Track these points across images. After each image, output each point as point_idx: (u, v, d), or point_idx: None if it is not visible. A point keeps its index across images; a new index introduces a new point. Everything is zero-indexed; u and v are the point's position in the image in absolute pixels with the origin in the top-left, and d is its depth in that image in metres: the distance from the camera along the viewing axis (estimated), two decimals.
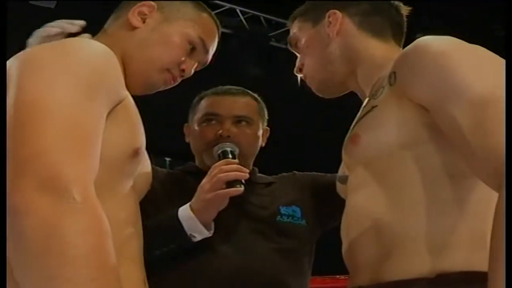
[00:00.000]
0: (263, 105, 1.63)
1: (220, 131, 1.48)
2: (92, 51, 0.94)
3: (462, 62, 0.90)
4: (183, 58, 1.16)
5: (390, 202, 0.98)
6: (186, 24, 1.17)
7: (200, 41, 1.18)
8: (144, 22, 1.15)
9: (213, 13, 1.26)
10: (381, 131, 1.00)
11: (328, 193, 1.33)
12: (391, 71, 1.01)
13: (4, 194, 0.73)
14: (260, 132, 1.59)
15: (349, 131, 1.08)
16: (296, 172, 1.65)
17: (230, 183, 1.32)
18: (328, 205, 1.43)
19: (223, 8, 4.61)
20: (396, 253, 0.95)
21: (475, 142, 0.82)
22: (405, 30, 1.23)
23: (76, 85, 0.85)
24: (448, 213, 0.93)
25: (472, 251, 0.79)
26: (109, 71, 0.95)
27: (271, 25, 4.68)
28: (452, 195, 0.94)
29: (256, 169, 1.64)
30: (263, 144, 1.62)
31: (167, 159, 5.90)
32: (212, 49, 1.24)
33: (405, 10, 1.23)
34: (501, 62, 0.91)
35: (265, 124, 1.63)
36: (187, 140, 1.62)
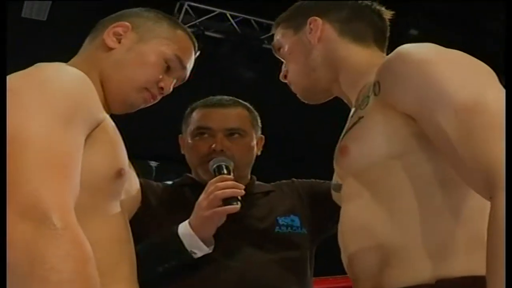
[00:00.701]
0: (256, 114, 1.63)
1: (213, 145, 1.49)
2: (66, 78, 0.96)
3: (446, 70, 0.90)
4: (160, 76, 1.18)
5: (384, 212, 0.98)
6: (161, 42, 1.19)
7: (176, 58, 1.20)
8: (119, 42, 1.17)
9: (189, 29, 1.29)
10: (369, 142, 1.00)
11: (327, 200, 1.33)
12: (375, 80, 1.01)
13: (4, 195, 0.76)
14: (254, 142, 1.59)
15: (339, 141, 1.08)
16: (295, 180, 1.65)
17: (227, 200, 1.33)
18: (327, 213, 1.42)
19: (214, 13, 4.61)
20: (394, 261, 0.95)
21: (463, 152, 0.83)
22: (387, 35, 1.24)
23: (51, 113, 0.87)
24: (443, 220, 0.94)
25: (469, 256, 0.79)
26: (84, 97, 0.96)
27: (263, 27, 4.69)
28: (445, 202, 0.94)
29: (254, 178, 1.64)
30: (259, 153, 1.62)
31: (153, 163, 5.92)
32: (190, 65, 1.26)
33: (387, 14, 1.24)
34: (484, 69, 0.92)
35: (259, 132, 1.63)
36: (182, 151, 1.62)
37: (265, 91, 1.26)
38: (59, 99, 0.90)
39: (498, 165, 0.76)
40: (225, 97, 1.61)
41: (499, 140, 0.78)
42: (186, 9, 4.57)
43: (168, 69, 1.19)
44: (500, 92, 0.86)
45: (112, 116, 1.13)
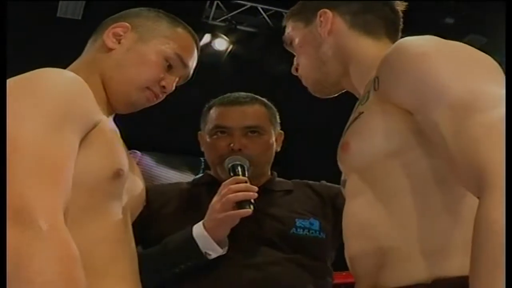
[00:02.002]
0: (274, 109, 1.62)
1: (231, 145, 1.48)
2: (58, 82, 0.97)
3: (442, 64, 0.88)
4: (161, 75, 1.18)
5: (383, 210, 0.97)
6: (161, 41, 1.19)
7: (176, 57, 1.19)
8: (119, 43, 1.17)
9: (192, 28, 1.27)
10: (368, 139, 0.98)
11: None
12: (375, 75, 0.99)
13: (4, 197, 0.77)
14: (273, 139, 1.57)
15: (342, 137, 1.07)
16: (311, 182, 1.63)
17: (240, 203, 1.33)
18: None
19: (245, 7, 4.62)
20: (393, 260, 0.94)
21: (455, 150, 0.80)
22: (400, 27, 1.21)
23: (43, 117, 0.89)
24: (440, 220, 0.92)
25: (466, 255, 0.76)
26: (77, 99, 0.97)
27: None
28: (443, 201, 0.92)
29: (275, 174, 1.63)
30: (278, 149, 1.61)
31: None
32: (192, 62, 1.25)
33: (401, 6, 1.21)
34: (485, 62, 0.89)
35: (278, 128, 1.61)
36: (202, 148, 1.62)
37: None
38: (50, 103, 0.91)
39: (488, 165, 0.74)
40: (242, 93, 1.60)
41: (492, 139, 0.75)
42: (217, 3, 4.59)
43: (169, 68, 1.19)
44: (498, 88, 0.82)
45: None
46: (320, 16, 1.17)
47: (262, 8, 4.64)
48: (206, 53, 4.46)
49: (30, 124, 0.87)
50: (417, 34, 0.95)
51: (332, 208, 1.52)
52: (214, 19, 4.66)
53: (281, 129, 1.63)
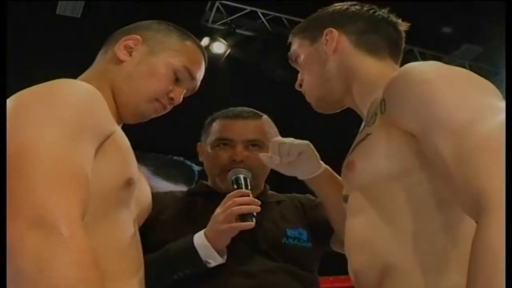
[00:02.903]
0: (273, 125, 1.64)
1: (234, 156, 1.53)
2: (76, 92, 0.99)
3: (446, 90, 0.90)
4: (170, 87, 1.21)
5: (384, 227, 0.99)
6: (171, 54, 1.22)
7: (185, 70, 1.23)
8: (130, 55, 1.20)
9: (200, 41, 1.30)
10: (374, 160, 1.01)
11: (326, 224, 1.41)
12: (382, 98, 1.02)
13: (4, 200, 0.80)
14: None
15: (347, 155, 1.10)
16: (297, 195, 1.69)
17: (243, 216, 1.36)
18: (329, 231, 1.49)
19: (245, 11, 4.63)
20: (393, 276, 0.97)
21: (455, 173, 0.83)
22: (402, 47, 1.24)
23: (61, 128, 0.90)
24: (439, 239, 0.94)
25: (462, 273, 0.79)
26: (94, 110, 1.00)
27: (294, 25, 4.68)
28: (442, 222, 0.95)
29: (268, 187, 1.68)
30: None
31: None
32: (200, 75, 1.28)
33: (403, 26, 1.24)
34: (485, 88, 0.92)
35: None
36: (200, 159, 1.67)
37: (294, 89, 1.26)
38: (68, 113, 0.93)
39: (486, 190, 0.76)
40: (246, 108, 1.65)
41: (491, 164, 0.78)
42: (217, 7, 4.60)
43: (177, 80, 1.22)
44: (498, 113, 0.85)
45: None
46: (326, 35, 1.20)
47: (261, 12, 4.66)
48: None
49: (48, 132, 0.89)
50: (415, 43, 0.97)
51: (312, 218, 1.58)
52: (213, 22, 4.67)
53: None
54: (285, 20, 4.71)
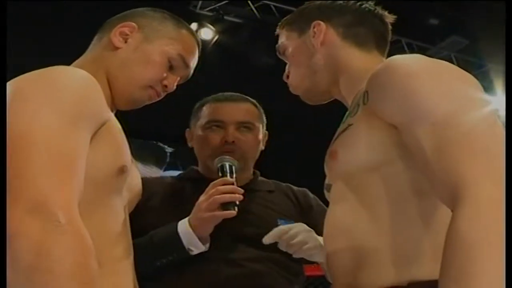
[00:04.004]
0: (262, 110, 1.70)
1: (226, 137, 1.55)
2: (73, 79, 0.99)
3: (428, 84, 0.93)
4: (164, 75, 1.22)
5: (363, 215, 1.02)
6: (166, 42, 1.22)
7: (179, 58, 1.24)
8: (125, 42, 1.20)
9: (195, 27, 1.31)
10: (354, 150, 1.03)
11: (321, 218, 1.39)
12: (365, 89, 1.04)
13: (4, 194, 0.81)
14: (261, 136, 1.65)
15: (330, 145, 1.11)
16: (293, 187, 1.70)
17: (225, 204, 1.37)
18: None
19: None
20: (369, 263, 0.99)
21: (434, 165, 0.86)
22: (389, 39, 1.25)
23: (58, 114, 0.91)
24: (416, 228, 0.97)
25: (437, 261, 0.82)
26: (91, 97, 1.00)
27: (282, 13, 4.67)
28: (419, 211, 0.97)
29: (258, 173, 1.69)
30: (263, 147, 1.68)
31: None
32: (193, 63, 1.30)
33: (390, 18, 1.25)
34: (468, 82, 0.95)
35: (265, 128, 1.69)
36: (189, 144, 1.68)
37: (281, 77, 1.27)
38: (65, 100, 0.94)
39: (462, 181, 0.80)
40: (234, 93, 1.68)
41: (468, 156, 0.82)
42: None
43: (171, 68, 1.23)
44: (480, 107, 0.89)
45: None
46: (314, 27, 1.21)
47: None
48: None
49: (44, 119, 0.89)
50: (402, 35, 0.98)
51: (305, 217, 1.58)
52: (201, 8, 4.65)
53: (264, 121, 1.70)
54: (273, 8, 4.70)
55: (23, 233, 0.79)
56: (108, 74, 1.18)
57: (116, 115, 1.19)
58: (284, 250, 1.39)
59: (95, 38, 1.25)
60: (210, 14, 4.67)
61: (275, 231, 1.39)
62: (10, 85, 0.95)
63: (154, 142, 6.10)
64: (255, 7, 4.68)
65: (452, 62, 5.31)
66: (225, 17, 4.69)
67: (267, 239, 1.38)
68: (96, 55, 1.20)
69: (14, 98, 0.91)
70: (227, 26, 4.77)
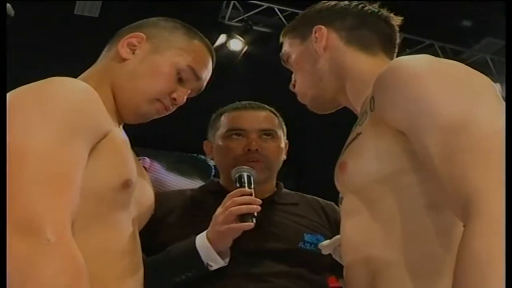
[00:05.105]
0: (281, 118, 1.65)
1: (249, 146, 1.50)
2: (69, 92, 0.96)
3: (435, 86, 0.87)
4: (173, 88, 1.16)
5: (377, 230, 0.98)
6: (175, 53, 1.17)
7: (190, 70, 1.18)
8: (133, 53, 1.16)
9: (208, 40, 1.26)
10: (364, 160, 0.99)
11: None
12: (371, 95, 0.99)
13: (4, 197, 0.78)
14: (283, 145, 1.60)
15: (340, 155, 1.07)
16: (320, 200, 1.65)
17: (242, 216, 1.32)
18: None
19: (262, 8, 4.61)
20: (384, 280, 0.95)
21: (443, 174, 0.80)
22: (397, 41, 1.20)
23: (52, 127, 0.89)
24: (431, 243, 0.92)
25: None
26: (87, 110, 0.97)
27: None
28: (435, 225, 0.92)
29: (282, 185, 1.64)
30: (285, 157, 1.62)
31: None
32: (206, 75, 1.24)
33: (396, 20, 1.20)
34: (479, 83, 0.88)
35: (285, 137, 1.64)
36: (209, 157, 1.63)
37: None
38: (60, 113, 0.91)
39: (474, 193, 0.74)
40: (252, 102, 1.63)
41: (480, 165, 0.76)
42: (234, 4, 4.59)
43: (181, 80, 1.18)
44: (491, 111, 0.82)
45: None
46: (315, 32, 1.18)
47: (278, 9, 4.64)
48: (221, 53, 4.47)
49: (39, 133, 0.87)
50: (435, 38, 0.94)
51: (334, 232, 1.51)
52: (230, 19, 4.66)
53: (292, 129, 1.66)
54: None
55: (12, 253, 0.76)
56: (114, 86, 1.14)
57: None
58: (338, 260, 1.32)
59: (105, 48, 1.21)
60: (239, 25, 4.69)
61: (333, 240, 1.31)
62: (9, 96, 0.93)
63: (194, 154, 6.09)
64: (284, 16, 4.66)
65: (488, 65, 5.23)
66: (254, 27, 4.69)
67: (324, 249, 1.31)
68: (104, 66, 1.17)
69: (10, 109, 0.89)
70: (256, 36, 4.77)
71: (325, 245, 1.32)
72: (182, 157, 6.13)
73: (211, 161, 6.11)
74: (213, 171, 6.02)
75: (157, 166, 5.83)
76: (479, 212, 0.72)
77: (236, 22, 4.69)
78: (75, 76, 1.06)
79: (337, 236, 1.33)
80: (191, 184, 5.88)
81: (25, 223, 0.78)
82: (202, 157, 6.14)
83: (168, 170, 5.98)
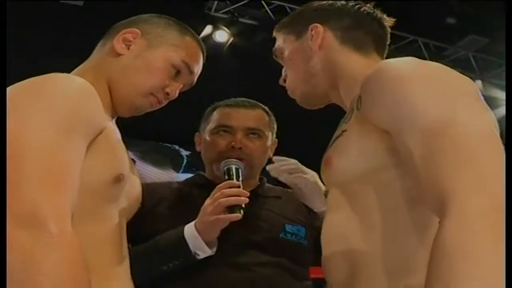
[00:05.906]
0: (273, 118, 1.68)
1: (233, 143, 1.54)
2: (68, 88, 0.98)
3: (419, 88, 0.89)
4: (166, 82, 1.20)
5: (358, 224, 1.00)
6: (169, 49, 1.20)
7: (183, 65, 1.22)
8: (128, 48, 1.18)
9: (198, 35, 1.28)
10: (348, 157, 1.01)
11: None
12: (359, 94, 1.02)
13: (4, 198, 0.79)
14: (269, 144, 1.64)
15: (326, 151, 1.10)
16: None
17: (231, 208, 1.36)
18: None
19: (248, 0, 4.61)
20: (364, 272, 0.97)
21: (422, 173, 0.83)
22: (388, 42, 1.23)
23: (51, 123, 0.90)
24: (410, 237, 0.94)
25: None
26: (85, 106, 0.99)
27: None
28: (413, 221, 0.95)
29: (265, 180, 1.68)
30: (271, 155, 1.66)
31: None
32: (198, 70, 1.28)
33: (388, 22, 1.22)
34: (463, 86, 0.91)
35: (274, 136, 1.68)
36: (197, 149, 1.67)
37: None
38: (59, 109, 0.93)
39: (448, 192, 0.77)
40: (246, 99, 1.67)
41: (457, 165, 0.79)
42: None
43: (175, 75, 1.22)
44: (473, 114, 0.85)
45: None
46: (312, 30, 1.19)
47: (265, 1, 4.64)
48: (206, 44, 4.45)
49: (38, 129, 0.88)
50: (419, 35, 0.95)
51: (317, 228, 1.56)
52: (216, 10, 4.65)
53: (277, 122, 1.69)
54: (288, 9, 4.68)
55: (13, 246, 0.77)
56: (109, 81, 1.16)
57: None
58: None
59: (99, 43, 1.23)
60: (225, 16, 4.68)
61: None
62: (8, 90, 0.94)
63: (169, 145, 6.05)
64: (270, 9, 4.67)
65: (470, 62, 5.27)
66: (240, 19, 4.69)
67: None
68: (98, 61, 1.19)
69: (9, 105, 0.90)
70: (242, 28, 4.77)
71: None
72: (155, 146, 6.08)
73: (184, 152, 6.11)
74: (185, 161, 6.00)
75: (130, 154, 5.82)
76: (451, 210, 0.75)
77: (222, 13, 4.68)
78: (61, 64, 1.06)
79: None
80: (162, 174, 5.86)
81: (27, 216, 0.79)
82: (176, 147, 6.12)
83: (141, 159, 5.97)
